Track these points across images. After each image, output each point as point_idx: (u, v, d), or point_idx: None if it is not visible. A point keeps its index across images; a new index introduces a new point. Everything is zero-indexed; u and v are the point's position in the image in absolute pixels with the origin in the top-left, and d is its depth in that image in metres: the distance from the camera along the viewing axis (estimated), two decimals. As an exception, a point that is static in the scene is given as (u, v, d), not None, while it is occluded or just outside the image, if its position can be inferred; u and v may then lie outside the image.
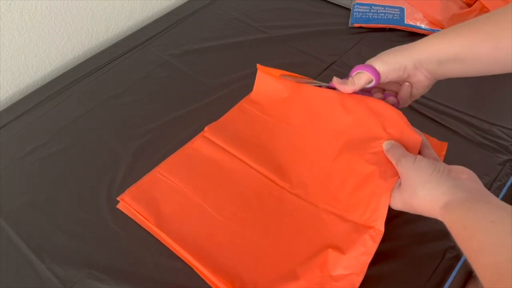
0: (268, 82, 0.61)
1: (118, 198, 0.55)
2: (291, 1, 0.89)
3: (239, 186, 0.54)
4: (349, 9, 0.86)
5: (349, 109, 0.52)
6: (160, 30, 0.84)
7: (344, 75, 0.54)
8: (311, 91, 0.56)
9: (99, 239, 0.52)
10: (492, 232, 0.33)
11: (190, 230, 0.51)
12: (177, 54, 0.78)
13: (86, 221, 0.54)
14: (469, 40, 0.44)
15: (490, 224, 0.34)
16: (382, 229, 0.45)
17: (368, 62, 0.50)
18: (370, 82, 0.50)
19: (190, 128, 0.63)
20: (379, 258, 0.46)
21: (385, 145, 0.48)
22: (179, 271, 0.48)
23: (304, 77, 0.58)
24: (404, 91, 0.50)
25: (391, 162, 0.46)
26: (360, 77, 0.49)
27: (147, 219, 0.52)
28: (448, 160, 0.55)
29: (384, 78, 0.49)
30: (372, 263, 0.45)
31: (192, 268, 0.48)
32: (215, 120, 0.62)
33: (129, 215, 0.53)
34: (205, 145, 0.59)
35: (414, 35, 0.79)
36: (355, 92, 0.52)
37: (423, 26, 0.80)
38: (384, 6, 0.84)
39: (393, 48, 0.49)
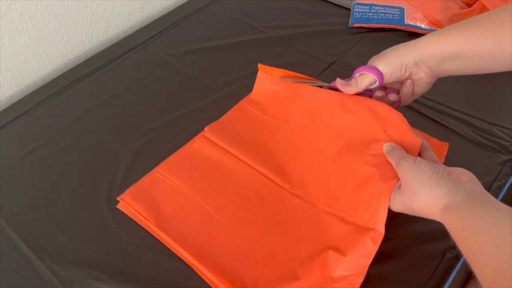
0: (269, 82, 0.61)
1: (118, 198, 0.55)
2: (291, 1, 0.89)
3: (239, 186, 0.54)
4: (349, 9, 0.86)
5: (350, 110, 0.52)
6: (160, 30, 0.84)
7: (344, 75, 0.54)
8: (311, 92, 0.56)
9: (99, 239, 0.52)
10: (492, 233, 0.33)
11: (190, 230, 0.51)
12: (177, 54, 0.78)
13: (86, 221, 0.54)
14: (469, 38, 0.45)
15: (489, 226, 0.34)
16: (383, 231, 0.45)
17: (370, 62, 0.50)
18: (373, 83, 0.50)
19: (190, 128, 0.63)
20: (379, 258, 0.46)
21: (385, 147, 0.48)
22: (179, 271, 0.48)
23: (306, 76, 0.58)
24: (406, 88, 0.50)
25: (391, 164, 0.46)
26: (364, 79, 0.49)
27: (147, 219, 0.52)
28: (448, 160, 0.56)
29: (387, 79, 0.49)
30: (372, 263, 0.45)
31: (192, 268, 0.48)
32: (215, 120, 0.62)
33: (129, 215, 0.53)
34: (205, 145, 0.59)
35: (414, 35, 0.79)
36: (357, 93, 0.52)
37: (423, 26, 0.80)
38: (384, 6, 0.84)
39: (393, 47, 0.49)
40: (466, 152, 0.59)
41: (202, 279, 0.47)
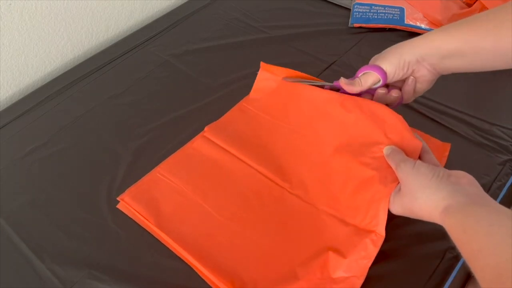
0: (269, 81, 0.61)
1: (118, 198, 0.55)
2: (291, 1, 0.89)
3: (239, 186, 0.54)
4: (349, 9, 0.86)
5: (351, 111, 0.52)
6: (160, 30, 0.84)
7: (344, 75, 0.54)
8: (312, 92, 0.56)
9: (99, 239, 0.52)
10: (492, 234, 0.33)
11: (190, 230, 0.51)
12: (177, 54, 0.78)
13: (86, 221, 0.54)
14: (469, 36, 0.45)
15: (489, 228, 0.34)
16: (384, 233, 0.46)
17: (372, 61, 0.50)
18: (377, 82, 0.50)
19: (190, 128, 0.63)
20: (379, 258, 0.46)
21: (385, 150, 0.48)
22: (179, 271, 0.48)
23: (308, 76, 0.58)
24: (408, 86, 0.50)
25: (391, 168, 0.46)
26: (367, 78, 0.50)
27: (147, 219, 0.52)
28: (448, 160, 0.56)
29: (390, 78, 0.49)
30: (372, 263, 0.45)
31: (192, 268, 0.48)
32: (215, 120, 0.62)
33: (129, 215, 0.53)
34: (205, 145, 0.59)
35: (414, 35, 0.77)
36: (359, 93, 0.52)
37: (423, 26, 0.80)
38: (384, 6, 0.84)
39: (394, 46, 0.50)
40: (466, 152, 0.59)
41: (202, 279, 0.47)
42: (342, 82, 0.52)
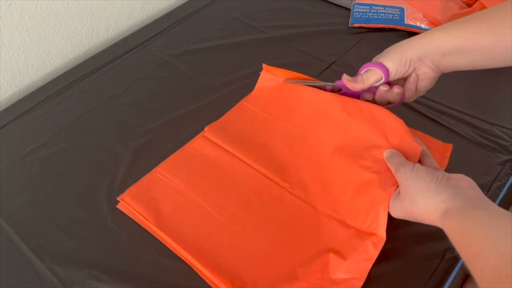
0: (271, 82, 0.61)
1: (118, 198, 0.55)
2: (291, 1, 0.89)
3: (239, 186, 0.54)
4: (349, 9, 0.86)
5: (351, 114, 0.52)
6: (160, 30, 0.84)
7: (343, 75, 0.54)
8: (313, 93, 0.56)
9: (99, 239, 0.52)
10: (491, 236, 0.33)
11: (190, 230, 0.51)
12: (177, 54, 0.78)
13: (86, 221, 0.54)
14: (469, 35, 0.45)
15: (488, 230, 0.34)
16: (384, 236, 0.46)
17: (375, 60, 0.50)
18: (379, 80, 0.50)
19: (190, 128, 0.63)
20: (379, 258, 0.46)
21: (385, 153, 0.48)
22: (179, 271, 0.48)
23: (309, 77, 0.58)
24: (410, 83, 0.50)
25: (391, 171, 0.46)
26: (370, 75, 0.50)
27: (147, 219, 0.52)
28: (449, 160, 0.55)
29: (392, 76, 0.49)
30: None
31: (192, 268, 0.48)
32: (215, 120, 0.62)
33: (129, 215, 0.53)
34: (205, 145, 0.59)
35: (414, 35, 0.78)
36: (361, 93, 0.52)
37: (423, 26, 0.80)
38: (384, 6, 0.84)
39: (395, 44, 0.50)
40: (466, 152, 0.59)
41: (202, 279, 0.47)
42: (345, 79, 0.52)
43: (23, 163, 0.61)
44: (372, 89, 0.52)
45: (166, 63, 0.76)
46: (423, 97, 0.59)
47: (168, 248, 0.50)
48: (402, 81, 0.52)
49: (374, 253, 0.46)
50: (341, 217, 0.50)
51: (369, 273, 0.45)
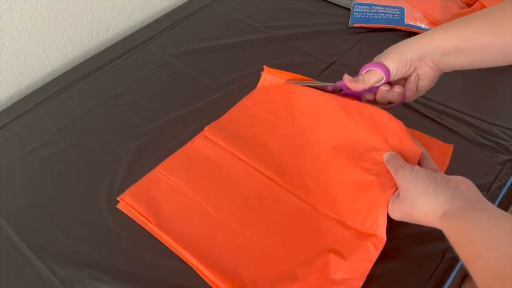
0: (272, 83, 0.61)
1: (118, 198, 0.55)
2: (291, 1, 0.89)
3: (239, 186, 0.54)
4: (349, 9, 0.86)
5: (351, 115, 0.52)
6: (160, 30, 0.84)
7: (344, 75, 0.54)
8: (313, 94, 0.56)
9: (99, 239, 0.52)
10: (490, 237, 0.33)
11: (190, 229, 0.51)
12: (177, 54, 0.78)
13: (86, 221, 0.54)
14: (468, 33, 0.46)
15: (488, 231, 0.34)
16: (385, 237, 0.46)
17: (375, 60, 0.50)
18: (380, 80, 0.50)
19: (190, 128, 0.63)
20: (379, 258, 0.46)
21: (385, 156, 0.48)
22: (179, 271, 0.48)
23: (310, 78, 0.58)
24: (411, 83, 0.50)
25: (390, 173, 0.46)
26: (371, 75, 0.50)
27: (147, 219, 0.52)
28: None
29: (393, 76, 0.49)
30: (372, 263, 0.45)
31: (192, 268, 0.48)
32: (215, 120, 0.62)
33: (129, 215, 0.53)
34: (205, 144, 0.59)
35: (414, 35, 0.79)
36: (362, 93, 0.52)
37: (423, 26, 0.80)
38: (384, 6, 0.84)
39: (395, 44, 0.50)
40: (466, 152, 0.59)
41: (202, 279, 0.47)
42: (346, 79, 0.52)
43: (23, 163, 0.61)
44: (373, 89, 0.52)
45: (166, 63, 0.76)
46: (423, 97, 0.59)
47: (168, 248, 0.50)
48: (402, 81, 0.52)
49: (374, 254, 0.46)
50: (341, 218, 0.50)
51: (369, 273, 0.45)
